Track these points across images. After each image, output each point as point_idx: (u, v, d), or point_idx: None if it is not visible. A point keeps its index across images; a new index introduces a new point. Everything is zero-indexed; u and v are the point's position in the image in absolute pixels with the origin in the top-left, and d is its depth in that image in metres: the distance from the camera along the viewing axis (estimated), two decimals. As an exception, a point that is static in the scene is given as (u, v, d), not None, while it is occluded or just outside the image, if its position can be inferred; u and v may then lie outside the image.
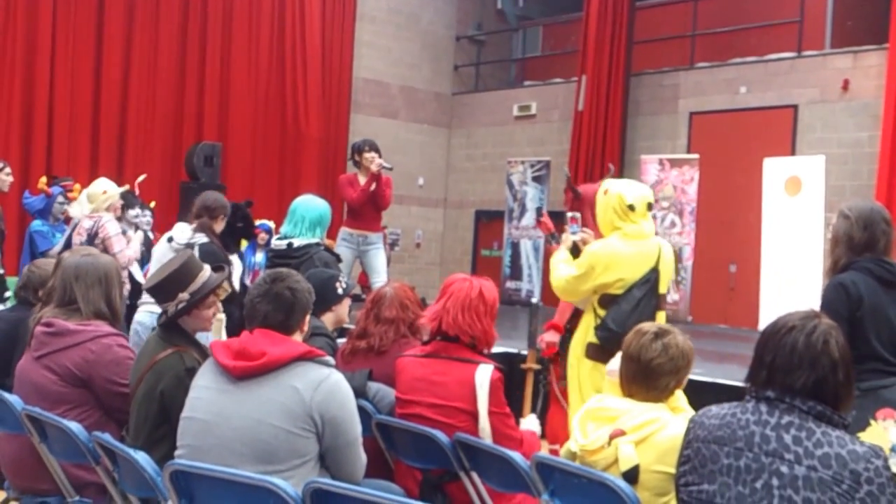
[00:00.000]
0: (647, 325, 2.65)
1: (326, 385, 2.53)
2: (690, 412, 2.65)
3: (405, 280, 4.53)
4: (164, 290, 3.05)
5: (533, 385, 4.64)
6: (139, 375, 2.95)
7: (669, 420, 2.51)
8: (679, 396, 2.83)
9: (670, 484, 2.44)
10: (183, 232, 5.06)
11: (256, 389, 2.50)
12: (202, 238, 4.93)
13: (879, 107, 9.74)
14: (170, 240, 5.07)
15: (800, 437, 2.01)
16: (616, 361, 2.73)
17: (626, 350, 2.60)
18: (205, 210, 5.10)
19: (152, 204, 7.70)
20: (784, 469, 1.99)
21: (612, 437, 2.46)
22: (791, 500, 1.97)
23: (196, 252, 4.68)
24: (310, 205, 4.74)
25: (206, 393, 2.58)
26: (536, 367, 4.67)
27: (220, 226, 5.10)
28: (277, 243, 4.70)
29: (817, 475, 1.96)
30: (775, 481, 2.00)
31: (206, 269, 3.16)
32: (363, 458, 2.71)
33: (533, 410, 4.26)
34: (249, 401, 2.49)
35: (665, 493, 2.48)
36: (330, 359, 2.65)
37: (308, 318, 2.76)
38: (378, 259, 6.84)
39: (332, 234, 5.99)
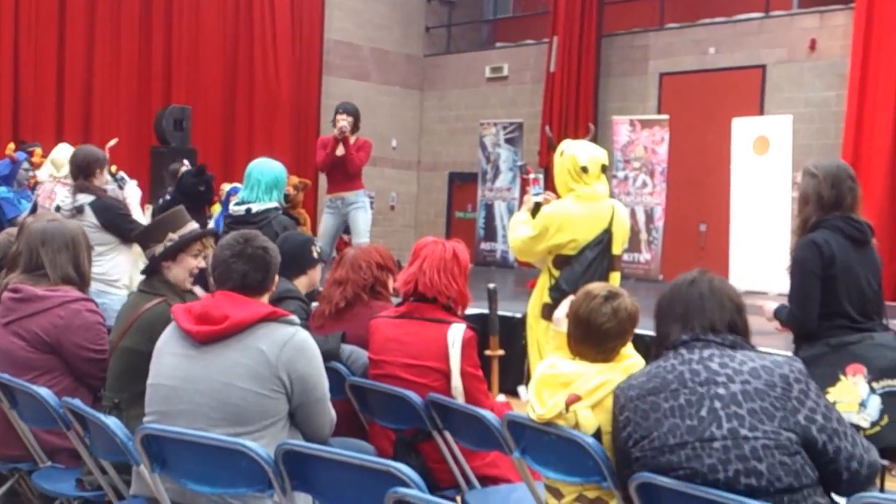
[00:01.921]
0: (596, 288, 2.65)
1: (292, 344, 2.52)
2: (638, 358, 2.70)
3: (380, 243, 4.53)
4: (153, 231, 3.04)
5: (514, 349, 4.71)
6: (123, 328, 2.95)
7: (620, 381, 2.54)
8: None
9: None
10: (66, 197, 4.82)
11: (222, 353, 2.49)
12: (88, 197, 4.70)
13: (846, 66, 9.80)
14: (58, 209, 4.92)
15: (724, 361, 2.19)
16: (562, 310, 2.74)
17: (576, 313, 2.61)
18: (77, 171, 4.77)
19: (113, 168, 7.58)
20: (721, 391, 2.15)
21: (568, 404, 2.49)
22: (737, 414, 2.11)
23: (88, 210, 4.61)
24: (264, 168, 4.67)
25: (170, 359, 2.56)
26: (500, 353, 4.75)
27: (101, 179, 4.81)
28: (235, 209, 4.64)
29: (752, 386, 2.13)
30: (717, 404, 2.14)
31: (194, 223, 3.19)
32: (332, 413, 2.72)
33: (520, 377, 4.33)
34: (216, 365, 2.48)
35: None
36: (294, 317, 2.63)
37: (276, 278, 2.75)
38: (358, 220, 6.79)
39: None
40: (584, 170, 4.05)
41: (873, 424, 3.10)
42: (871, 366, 3.11)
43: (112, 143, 7.53)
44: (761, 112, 10.36)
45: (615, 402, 2.37)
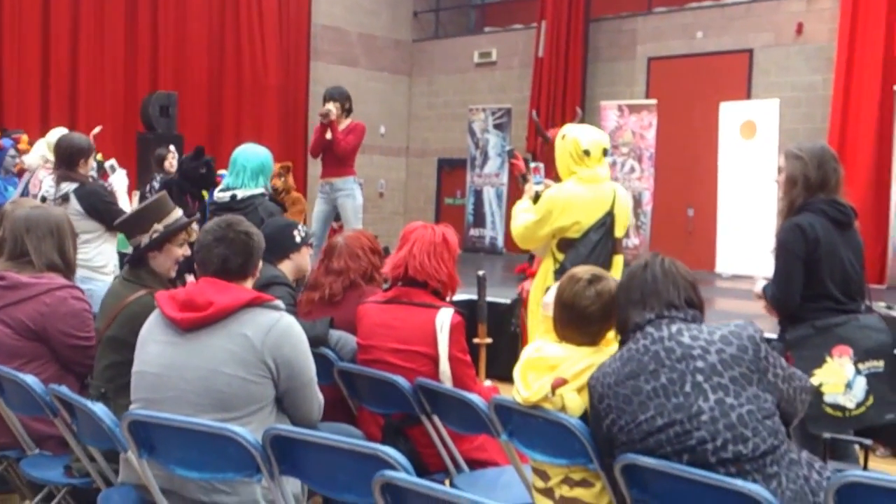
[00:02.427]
0: (580, 272, 2.66)
1: (277, 329, 2.52)
2: None
3: (369, 230, 4.53)
4: (138, 221, 3.03)
5: (503, 335, 4.72)
6: (108, 318, 2.94)
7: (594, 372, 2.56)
8: None
9: None
10: (51, 186, 4.79)
11: (207, 340, 2.48)
12: (72, 185, 4.66)
13: (832, 50, 9.82)
14: (43, 199, 4.89)
15: (694, 335, 2.25)
16: (551, 294, 2.76)
17: (560, 297, 2.62)
18: (60, 161, 4.74)
19: (99, 156, 7.55)
20: (700, 364, 2.20)
21: (554, 388, 2.50)
22: (721, 384, 2.18)
23: (73, 198, 4.60)
24: (250, 154, 4.64)
25: (155, 346, 2.55)
26: (488, 341, 4.77)
27: (85, 168, 4.78)
28: (220, 195, 4.61)
29: (728, 354, 2.20)
30: (700, 377, 2.19)
31: (178, 210, 3.17)
32: (319, 397, 2.72)
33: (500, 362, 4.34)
34: (201, 351, 2.47)
35: None
36: (279, 302, 2.62)
37: (259, 263, 2.73)
38: (346, 208, 6.75)
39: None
40: (587, 153, 4.06)
41: (859, 405, 3.14)
42: (856, 347, 3.14)
43: (96, 130, 7.48)
44: (748, 96, 10.38)
45: (591, 394, 2.38)
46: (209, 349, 2.47)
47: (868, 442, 2.73)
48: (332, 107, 6.55)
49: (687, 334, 2.25)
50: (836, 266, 3.23)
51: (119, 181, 5.18)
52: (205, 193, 7.76)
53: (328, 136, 6.58)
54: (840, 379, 3.14)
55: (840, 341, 3.15)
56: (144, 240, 3.03)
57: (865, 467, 2.72)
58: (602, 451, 2.39)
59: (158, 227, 3.03)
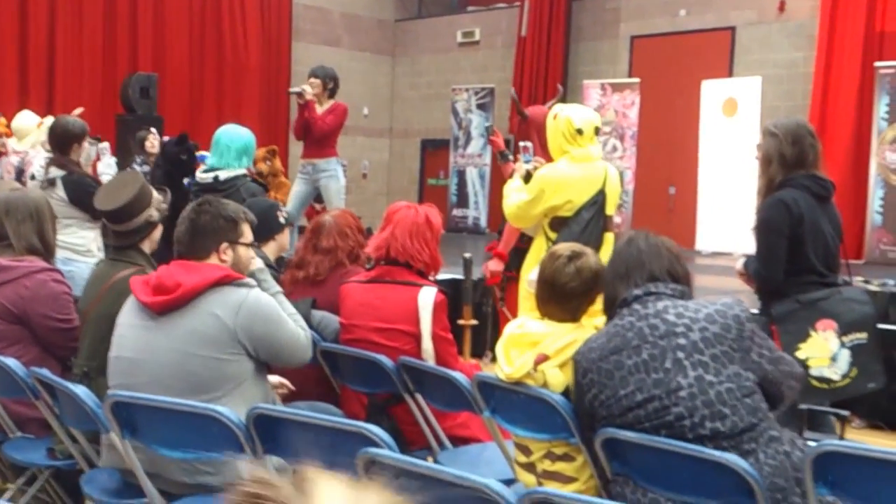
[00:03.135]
0: (560, 248, 2.69)
1: (246, 306, 2.51)
2: None
3: (352, 211, 4.53)
4: (128, 209, 3.02)
5: (476, 315, 4.77)
6: (96, 295, 2.93)
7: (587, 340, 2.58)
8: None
9: None
10: (41, 167, 4.79)
11: (178, 322, 2.48)
12: (60, 171, 4.65)
13: (814, 27, 9.84)
14: (32, 177, 4.84)
15: (679, 312, 2.25)
16: (536, 272, 2.77)
17: (542, 274, 2.65)
18: (54, 145, 4.72)
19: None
20: (682, 341, 2.20)
21: (536, 364, 2.52)
22: (701, 361, 2.18)
23: (59, 184, 4.58)
24: (234, 134, 4.64)
25: (129, 331, 2.56)
26: (473, 322, 4.80)
27: (78, 153, 4.74)
28: (203, 176, 4.61)
29: (710, 332, 2.20)
30: (681, 354, 2.20)
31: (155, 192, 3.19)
32: (304, 344, 2.70)
33: (484, 344, 4.38)
34: (173, 334, 2.48)
35: None
36: (248, 280, 2.61)
37: (226, 245, 2.63)
38: (329, 189, 6.71)
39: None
40: (580, 132, 4.07)
41: (843, 377, 3.18)
42: (840, 320, 3.17)
43: (76, 112, 7.41)
44: (730, 74, 10.39)
45: (576, 368, 2.40)
46: (181, 331, 2.47)
47: (845, 413, 2.78)
48: (307, 86, 6.49)
49: (672, 312, 2.25)
50: (819, 240, 3.25)
51: (107, 168, 5.16)
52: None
53: (306, 115, 6.54)
54: (825, 352, 3.18)
55: (824, 315, 3.18)
56: (136, 224, 3.02)
57: (842, 438, 2.77)
58: (584, 424, 2.42)
59: (151, 212, 3.03)
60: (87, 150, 4.98)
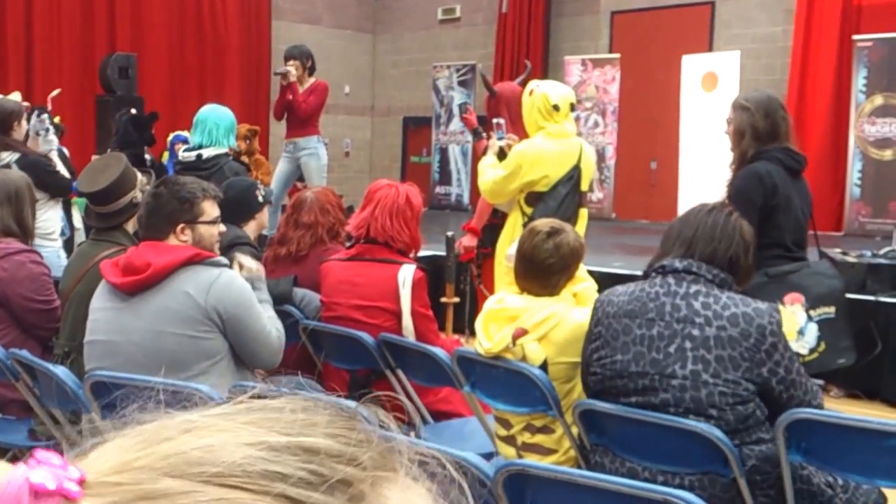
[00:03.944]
0: (539, 224, 2.70)
1: (217, 285, 2.52)
2: (590, 282, 2.75)
3: (335, 189, 4.54)
4: (112, 190, 3.02)
5: (457, 293, 4.81)
6: (78, 275, 2.93)
7: (565, 314, 2.60)
8: (592, 295, 2.92)
9: (573, 370, 2.57)
10: None
11: (150, 301, 2.49)
12: (13, 155, 4.59)
13: (792, 1, 9.85)
14: None
15: (708, 302, 2.17)
16: (515, 247, 2.79)
17: (520, 249, 2.66)
18: None
19: (57, 119, 7.42)
20: (696, 332, 2.15)
21: (515, 338, 2.55)
22: (704, 358, 2.13)
23: (14, 168, 4.49)
24: (216, 114, 4.64)
25: (102, 314, 2.56)
26: (455, 300, 4.82)
27: (19, 132, 4.71)
28: (185, 155, 4.60)
29: (727, 333, 2.13)
30: (688, 344, 2.16)
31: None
32: (274, 343, 2.70)
33: (464, 321, 4.41)
34: (145, 314, 2.48)
35: (570, 379, 2.61)
36: (220, 258, 2.62)
37: (182, 226, 2.61)
38: (309, 166, 6.70)
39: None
40: (556, 108, 4.09)
41: (811, 351, 3.20)
42: (808, 294, 3.19)
43: (54, 93, 7.34)
44: (710, 49, 10.39)
45: (593, 314, 2.37)
46: (152, 310, 2.48)
47: (819, 382, 2.81)
48: (290, 67, 6.47)
49: (701, 299, 2.17)
50: (791, 214, 3.27)
51: (47, 144, 5.11)
52: (165, 154, 7.67)
53: (289, 97, 6.51)
54: (793, 326, 3.20)
55: (792, 288, 3.20)
56: (122, 204, 3.03)
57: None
58: (582, 371, 2.42)
59: (136, 192, 3.04)
60: (36, 126, 4.92)
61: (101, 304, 2.59)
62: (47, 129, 5.04)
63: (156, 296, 2.49)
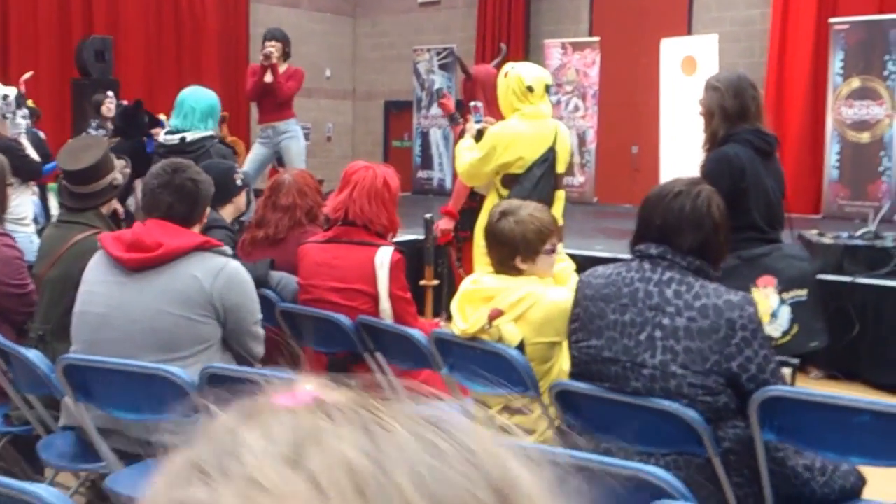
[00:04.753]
0: (505, 203, 2.71)
1: (225, 273, 2.54)
2: (567, 262, 2.75)
3: (317, 174, 4.53)
4: (94, 171, 2.99)
5: (436, 275, 4.81)
6: (52, 258, 2.90)
7: (542, 294, 2.60)
8: (569, 274, 2.92)
9: (551, 350, 2.58)
10: None
11: (154, 280, 2.49)
12: None
13: (770, -17, 9.88)
14: None
15: (680, 291, 2.14)
16: None
17: (487, 230, 2.67)
18: None
19: (30, 102, 7.33)
20: (666, 321, 2.13)
21: (491, 319, 2.55)
22: (672, 349, 2.11)
23: None
24: (199, 95, 4.61)
25: (99, 286, 2.55)
26: (435, 283, 4.82)
27: None
28: (168, 137, 4.56)
29: (696, 325, 2.10)
30: (658, 333, 2.14)
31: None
32: (262, 334, 2.76)
33: (442, 307, 4.41)
34: (148, 291, 2.48)
35: (548, 359, 2.61)
36: (227, 248, 2.65)
37: (207, 210, 2.74)
38: (290, 149, 6.66)
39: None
40: (530, 89, 4.09)
41: (784, 334, 3.20)
42: (780, 277, 3.20)
43: (26, 76, 7.23)
44: (689, 32, 10.40)
45: (576, 291, 2.35)
46: (156, 289, 2.48)
47: (795, 361, 2.83)
48: (272, 48, 6.42)
49: (674, 287, 2.14)
50: (762, 195, 3.27)
51: (17, 128, 5.04)
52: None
53: (268, 79, 6.45)
54: (765, 309, 3.21)
55: (765, 271, 3.20)
56: (101, 186, 3.01)
57: (793, 384, 2.83)
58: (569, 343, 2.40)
59: (116, 174, 3.01)
60: (2, 109, 4.86)
61: (97, 276, 2.57)
62: (14, 112, 4.98)
63: (161, 276, 2.50)
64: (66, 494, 1.99)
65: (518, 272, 2.62)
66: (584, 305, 2.28)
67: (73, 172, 3.02)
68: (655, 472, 1.47)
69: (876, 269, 5.10)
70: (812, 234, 5.50)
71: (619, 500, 1.57)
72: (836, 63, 8.63)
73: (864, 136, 8.49)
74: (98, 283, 2.56)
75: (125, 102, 6.86)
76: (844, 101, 8.55)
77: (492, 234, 2.63)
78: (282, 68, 6.54)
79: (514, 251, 2.60)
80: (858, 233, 5.50)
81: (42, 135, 6.81)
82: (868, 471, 2.28)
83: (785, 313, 3.18)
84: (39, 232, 4.97)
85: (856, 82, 8.49)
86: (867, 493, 2.29)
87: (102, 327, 2.50)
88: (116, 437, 2.44)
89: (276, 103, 6.60)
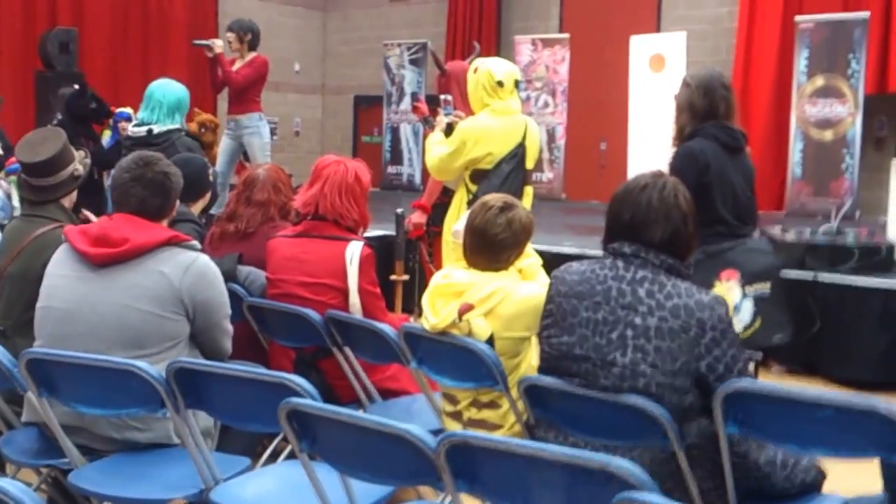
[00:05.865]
0: (492, 199, 2.70)
1: (194, 268, 2.51)
2: (535, 258, 2.76)
3: (286, 169, 4.50)
4: (54, 163, 2.95)
5: (406, 270, 4.82)
6: (12, 253, 2.86)
7: (512, 289, 2.61)
8: (537, 270, 2.93)
9: (520, 345, 2.59)
10: None
11: (121, 275, 2.46)
12: None
13: (738, -19, 9.97)
14: None
15: (652, 290, 2.15)
16: (462, 223, 2.80)
17: (472, 223, 2.66)
18: None
19: None
20: (638, 321, 2.14)
21: (461, 313, 2.55)
22: (643, 348, 2.12)
23: None
24: (167, 89, 4.58)
25: (64, 281, 2.51)
26: (405, 278, 4.82)
27: None
28: (136, 130, 4.54)
29: (667, 325, 2.11)
30: (629, 332, 2.14)
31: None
32: (231, 331, 2.74)
33: (413, 299, 4.41)
34: (115, 287, 2.45)
35: (517, 354, 2.63)
36: (195, 243, 2.62)
37: (177, 203, 2.71)
38: (252, 145, 6.65)
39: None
40: (500, 84, 4.10)
41: (746, 328, 3.21)
42: (743, 270, 3.23)
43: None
44: (658, 29, 10.48)
45: (550, 287, 2.34)
46: (124, 285, 2.45)
47: (758, 356, 2.87)
48: (216, 40, 6.44)
49: (646, 286, 2.15)
50: (728, 190, 3.31)
51: None
52: (107, 133, 7.51)
53: (219, 71, 6.48)
54: (728, 302, 3.25)
55: (728, 265, 3.22)
56: (62, 178, 2.98)
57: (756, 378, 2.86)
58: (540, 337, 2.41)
59: (77, 166, 2.98)
60: None
61: (61, 270, 2.53)
62: None
63: (128, 271, 2.46)
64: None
65: (504, 269, 2.63)
66: (558, 302, 2.28)
67: (32, 165, 2.98)
68: (623, 465, 1.49)
69: (837, 265, 5.19)
70: (775, 230, 5.58)
71: (587, 493, 1.59)
72: (800, 61, 8.74)
73: (828, 135, 8.62)
74: (63, 278, 2.52)
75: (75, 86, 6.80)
76: (808, 100, 8.67)
77: (492, 234, 2.61)
78: (248, 57, 6.53)
79: (514, 249, 2.61)
80: (821, 230, 5.59)
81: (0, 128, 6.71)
82: (829, 465, 2.32)
83: (748, 307, 3.20)
84: (1, 227, 4.90)
85: (820, 81, 8.61)
86: (827, 487, 2.33)
87: (67, 322, 2.46)
88: (80, 433, 2.41)
89: (236, 95, 6.60)
